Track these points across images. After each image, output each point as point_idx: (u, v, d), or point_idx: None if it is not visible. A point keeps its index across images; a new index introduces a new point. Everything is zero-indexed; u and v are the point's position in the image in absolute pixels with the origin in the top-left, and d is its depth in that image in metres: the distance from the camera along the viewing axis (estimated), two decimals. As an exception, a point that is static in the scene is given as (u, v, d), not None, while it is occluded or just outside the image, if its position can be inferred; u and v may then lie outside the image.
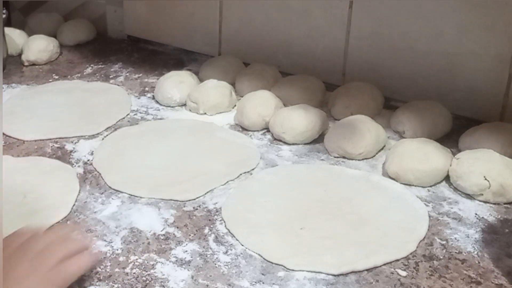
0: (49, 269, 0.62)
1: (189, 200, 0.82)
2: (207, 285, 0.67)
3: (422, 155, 0.86)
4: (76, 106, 1.09)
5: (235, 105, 1.08)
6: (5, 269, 0.60)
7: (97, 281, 0.67)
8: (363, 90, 1.04)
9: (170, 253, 0.72)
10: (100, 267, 0.69)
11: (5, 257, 0.62)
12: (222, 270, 0.69)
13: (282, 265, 0.70)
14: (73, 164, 0.91)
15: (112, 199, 0.82)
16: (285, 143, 0.96)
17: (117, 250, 0.72)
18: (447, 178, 0.86)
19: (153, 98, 1.12)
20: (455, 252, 0.73)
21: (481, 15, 0.98)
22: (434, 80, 1.05)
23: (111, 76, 1.23)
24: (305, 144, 0.96)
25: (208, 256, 0.71)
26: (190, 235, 0.75)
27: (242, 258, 0.71)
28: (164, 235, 0.75)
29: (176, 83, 1.10)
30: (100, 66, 1.28)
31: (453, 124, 0.99)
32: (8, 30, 1.31)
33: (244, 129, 1.01)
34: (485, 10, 0.97)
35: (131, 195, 0.83)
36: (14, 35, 1.32)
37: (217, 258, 0.71)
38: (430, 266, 0.70)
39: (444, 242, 0.74)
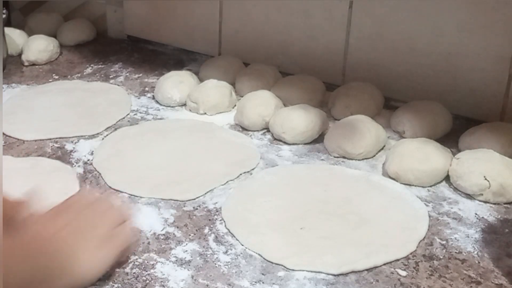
0: (105, 232, 0.67)
1: (189, 200, 0.82)
2: (207, 285, 0.67)
3: (422, 155, 0.86)
4: (76, 106, 1.09)
5: (235, 105, 1.08)
6: (73, 225, 0.65)
7: (97, 281, 0.67)
8: (363, 90, 1.04)
9: (170, 253, 0.72)
10: (100, 267, 0.69)
11: (74, 212, 0.68)
12: (222, 270, 0.69)
13: (282, 265, 0.70)
14: (73, 164, 0.91)
15: (112, 199, 0.82)
16: (285, 143, 0.96)
17: (117, 250, 0.72)
18: (447, 178, 0.86)
19: (153, 98, 1.12)
20: (455, 252, 0.73)
21: (481, 15, 0.98)
22: (434, 80, 1.05)
23: (111, 76, 1.23)
24: (305, 144, 0.96)
25: (208, 256, 0.72)
26: (190, 235, 0.75)
27: (242, 258, 0.71)
28: (164, 235, 0.75)
29: (176, 83, 1.10)
30: (100, 66, 1.28)
31: (453, 124, 0.99)
32: (8, 30, 1.31)
33: (244, 129, 1.01)
34: (485, 10, 0.97)
35: (131, 195, 0.83)
36: (14, 35, 1.32)
37: (217, 258, 0.71)
38: (430, 266, 0.70)
39: (444, 242, 0.74)
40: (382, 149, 0.94)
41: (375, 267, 0.70)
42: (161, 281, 0.67)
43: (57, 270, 0.61)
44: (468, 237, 0.75)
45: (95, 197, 0.73)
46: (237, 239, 0.74)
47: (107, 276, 0.68)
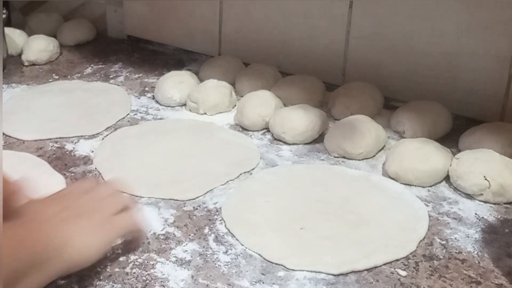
0: (104, 218, 0.67)
1: (189, 200, 0.82)
2: (207, 285, 0.67)
3: (422, 155, 0.86)
4: (76, 106, 1.09)
5: (235, 105, 1.08)
6: (71, 210, 0.66)
7: (97, 281, 0.67)
8: (363, 90, 1.04)
9: (170, 253, 0.72)
10: (100, 267, 0.69)
11: (73, 198, 0.68)
12: (222, 270, 0.69)
13: (282, 265, 0.70)
14: (73, 164, 0.91)
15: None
16: (285, 143, 0.96)
17: (117, 250, 0.72)
18: (447, 178, 0.86)
19: (153, 98, 1.12)
20: (455, 252, 0.73)
21: (481, 15, 0.98)
22: (434, 80, 1.05)
23: (111, 76, 1.23)
24: (305, 144, 0.96)
25: (208, 256, 0.72)
26: (190, 235, 0.75)
27: (242, 258, 0.71)
28: (164, 234, 0.75)
29: (176, 83, 1.10)
30: (100, 66, 1.28)
31: (453, 124, 0.99)
32: (8, 30, 1.31)
33: (244, 129, 1.01)
34: (485, 10, 0.97)
35: (131, 195, 0.83)
36: (14, 35, 1.32)
37: (217, 258, 0.71)
38: (430, 266, 0.70)
39: (444, 242, 0.74)
40: (382, 149, 0.94)
41: (375, 267, 0.70)
42: (161, 281, 0.67)
43: (53, 254, 0.61)
44: (468, 237, 0.75)
45: (97, 184, 0.74)
46: (237, 239, 0.74)
47: (107, 276, 0.68)
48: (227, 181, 0.86)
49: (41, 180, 0.86)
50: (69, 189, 0.71)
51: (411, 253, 0.72)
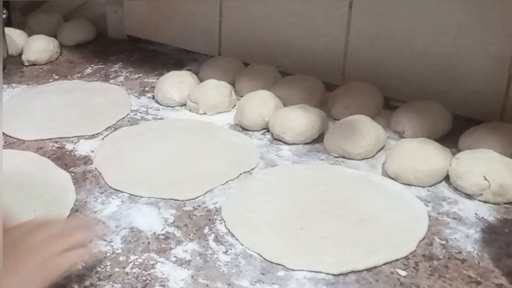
0: (47, 258, 0.63)
1: (189, 200, 0.82)
2: (207, 285, 0.67)
3: (422, 155, 0.86)
4: (76, 106, 1.09)
5: (235, 105, 1.08)
6: (6, 254, 0.62)
7: (97, 281, 0.67)
8: (363, 90, 1.04)
9: (170, 253, 0.72)
10: (100, 267, 0.69)
11: (8, 243, 0.63)
12: (222, 269, 0.69)
13: (282, 265, 0.70)
14: (73, 164, 0.91)
15: (112, 198, 0.82)
16: (285, 143, 0.96)
17: (117, 249, 0.72)
18: (447, 178, 0.86)
19: (153, 98, 1.12)
20: (455, 252, 0.73)
21: (481, 15, 0.98)
22: (434, 80, 1.05)
23: (111, 76, 1.23)
24: (305, 144, 0.96)
25: (208, 255, 0.72)
26: (190, 235, 0.75)
27: (242, 257, 0.71)
28: (164, 234, 0.75)
29: (176, 83, 1.10)
30: (100, 66, 1.28)
31: (453, 124, 0.99)
32: (8, 30, 1.31)
33: (244, 129, 1.01)
34: (484, 10, 0.97)
35: (131, 194, 0.83)
36: (14, 35, 1.32)
37: (217, 257, 0.71)
38: (430, 266, 0.70)
39: (444, 242, 0.74)
40: (381, 149, 0.94)
41: (375, 267, 0.70)
42: (161, 281, 0.67)
43: None
44: (468, 237, 0.75)
45: (55, 220, 0.71)
46: (237, 239, 0.74)
47: (107, 276, 0.68)
48: (227, 181, 0.86)
49: (49, 177, 0.87)
50: (24, 223, 0.68)
51: (411, 253, 0.72)
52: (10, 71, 1.23)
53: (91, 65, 1.28)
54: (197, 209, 0.80)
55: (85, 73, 1.24)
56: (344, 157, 0.92)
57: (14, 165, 0.89)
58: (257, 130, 1.01)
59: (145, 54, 1.34)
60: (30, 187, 0.84)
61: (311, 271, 0.69)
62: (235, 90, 1.11)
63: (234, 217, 0.78)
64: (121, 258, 0.71)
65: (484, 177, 0.81)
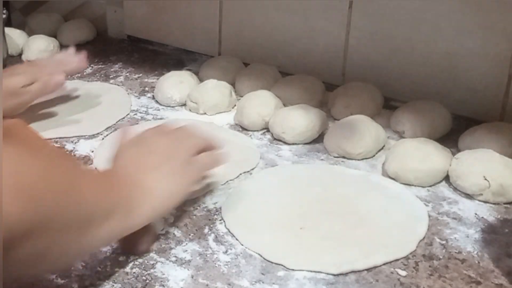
0: (182, 161, 0.70)
1: (189, 200, 0.82)
2: (207, 285, 0.67)
3: (422, 155, 0.86)
4: (76, 106, 1.09)
5: (235, 105, 1.08)
6: (151, 156, 0.69)
7: (97, 281, 0.67)
8: (363, 90, 1.04)
9: (170, 253, 0.72)
10: (100, 267, 0.69)
11: (153, 141, 0.71)
12: (222, 269, 0.69)
13: (282, 265, 0.70)
14: (73, 164, 0.91)
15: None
16: (285, 143, 0.96)
17: (117, 249, 0.72)
18: (446, 178, 0.86)
19: (153, 98, 1.12)
20: (455, 252, 0.73)
21: (480, 15, 0.98)
22: (434, 80, 1.05)
23: (111, 76, 1.23)
24: (305, 144, 0.96)
25: (208, 255, 0.72)
26: (190, 235, 0.75)
27: (242, 257, 0.71)
28: (164, 234, 0.75)
29: (176, 83, 1.10)
30: (100, 66, 1.28)
31: (453, 124, 0.99)
32: (8, 30, 1.31)
33: (244, 129, 1.01)
34: (484, 10, 0.97)
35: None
36: (14, 35, 1.32)
37: (217, 257, 0.71)
38: (430, 266, 0.70)
39: (443, 242, 0.74)
40: (381, 149, 0.94)
41: (375, 267, 0.70)
42: (161, 281, 0.67)
43: (134, 203, 0.64)
44: (468, 237, 0.75)
45: (176, 127, 0.76)
46: (237, 239, 0.74)
47: (107, 276, 0.68)
48: (227, 181, 0.86)
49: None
50: (148, 132, 0.74)
51: (410, 253, 0.72)
52: (10, 71, 1.23)
53: (91, 65, 1.28)
54: (197, 209, 0.80)
55: (85, 73, 1.24)
56: (344, 157, 0.92)
57: None
58: (257, 130, 1.01)
59: (145, 54, 1.34)
60: None
61: (311, 271, 0.69)
62: (235, 90, 1.11)
63: (234, 217, 0.78)
64: (121, 258, 0.71)
65: (484, 177, 0.81)
